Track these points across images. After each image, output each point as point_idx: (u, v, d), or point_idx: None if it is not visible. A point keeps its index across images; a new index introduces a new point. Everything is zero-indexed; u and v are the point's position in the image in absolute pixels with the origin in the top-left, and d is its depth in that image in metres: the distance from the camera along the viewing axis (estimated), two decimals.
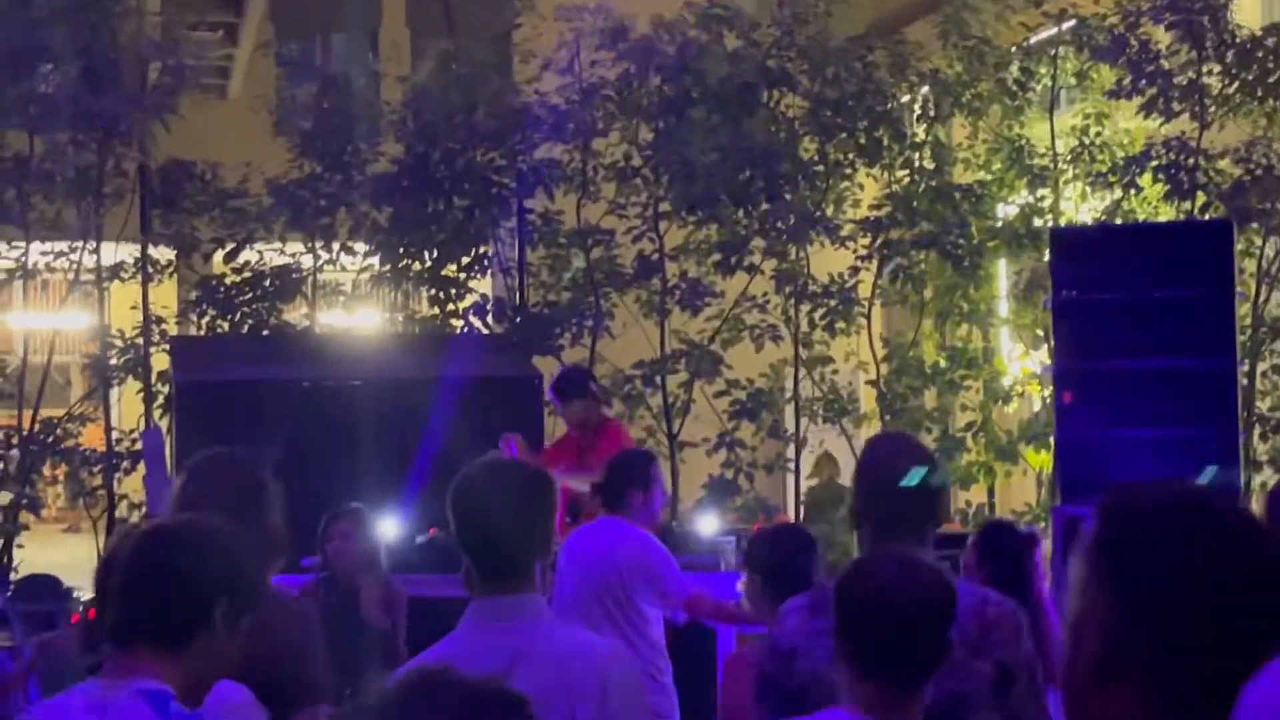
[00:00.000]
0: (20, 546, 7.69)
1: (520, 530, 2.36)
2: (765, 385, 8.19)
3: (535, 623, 2.40)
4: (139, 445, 7.87)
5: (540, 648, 2.33)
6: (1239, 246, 6.95)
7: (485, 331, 8.24)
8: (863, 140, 8.07)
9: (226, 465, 2.75)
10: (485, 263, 8.37)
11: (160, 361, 7.96)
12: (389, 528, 5.80)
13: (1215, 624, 1.10)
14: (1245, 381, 7.49)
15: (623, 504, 4.63)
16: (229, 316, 7.98)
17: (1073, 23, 8.04)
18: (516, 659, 2.24)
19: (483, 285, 8.55)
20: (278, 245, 8.21)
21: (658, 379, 8.02)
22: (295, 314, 8.35)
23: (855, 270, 8.11)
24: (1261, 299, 7.87)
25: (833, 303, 8.00)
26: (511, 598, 2.34)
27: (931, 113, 8.37)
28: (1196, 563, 1.11)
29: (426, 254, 8.13)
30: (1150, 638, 1.11)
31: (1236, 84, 7.74)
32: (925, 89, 8.42)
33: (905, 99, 8.51)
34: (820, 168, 8.10)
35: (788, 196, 7.97)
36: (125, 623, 1.95)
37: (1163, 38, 7.84)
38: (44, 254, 8.08)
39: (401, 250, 8.13)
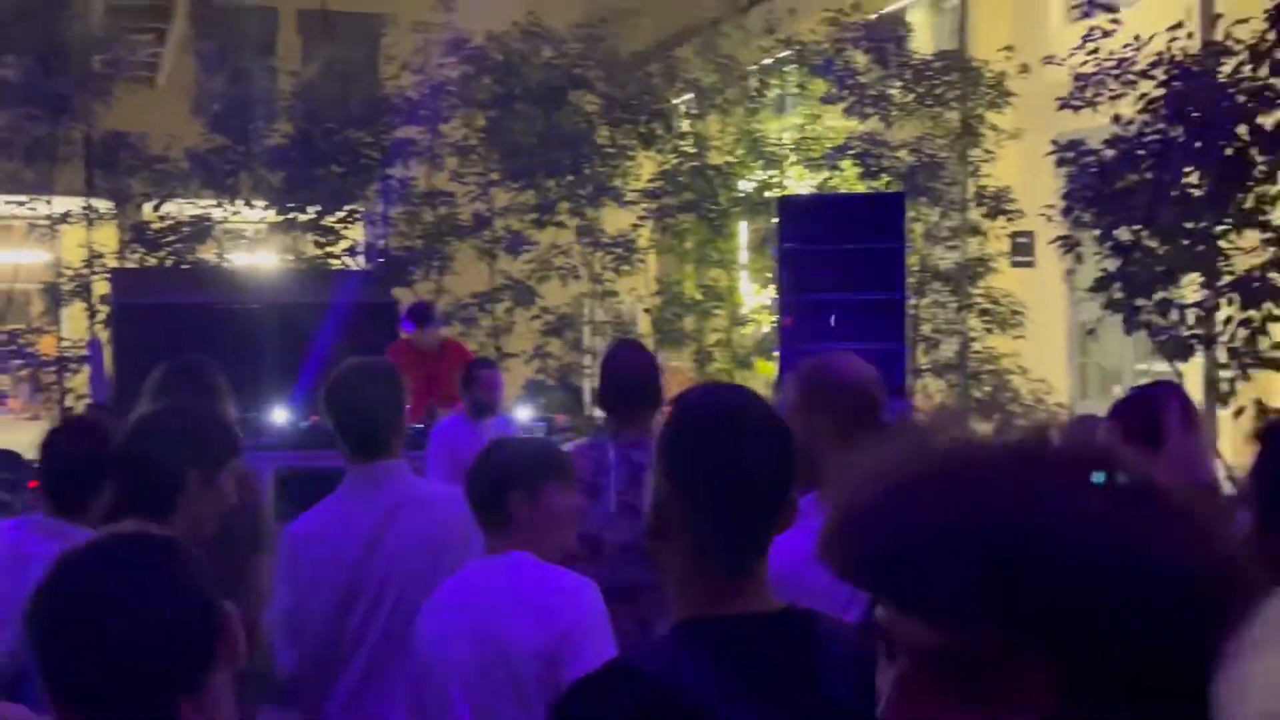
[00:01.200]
0: None
1: (387, 415, 2.62)
2: (568, 311, 10.11)
3: (405, 480, 2.67)
4: (85, 352, 9.62)
5: (412, 498, 2.63)
6: (911, 214, 9.02)
7: (357, 268, 10.13)
8: (643, 130, 9.95)
9: (190, 368, 3.05)
10: (357, 216, 10.19)
11: (101, 288, 9.62)
12: (281, 416, 6.86)
13: (733, 491, 1.33)
14: (913, 311, 9.60)
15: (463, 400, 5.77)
16: (156, 254, 9.75)
17: (797, 48, 9.88)
18: (392, 508, 2.58)
19: (355, 233, 10.34)
20: (194, 200, 10.00)
21: (488, 306, 9.91)
22: (208, 253, 10.25)
23: (636, 227, 10.05)
24: (926, 253, 10.27)
25: (619, 251, 9.98)
26: (381, 463, 2.60)
27: (694, 111, 10.33)
28: (718, 447, 1.33)
29: (311, 209, 9.91)
30: (685, 503, 1.34)
31: (912, 95, 9.53)
32: (689, 94, 10.35)
33: (675, 101, 10.40)
34: (612, 150, 9.94)
35: (587, 171, 9.79)
36: (120, 506, 2.14)
37: (861, 60, 9.72)
38: (8, 204, 9.97)
39: (291, 205, 9.91)
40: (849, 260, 6.69)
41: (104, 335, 9.41)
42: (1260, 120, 5.63)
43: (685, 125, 10.42)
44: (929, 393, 9.81)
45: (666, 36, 10.80)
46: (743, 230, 10.44)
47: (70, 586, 1.22)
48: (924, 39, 10.52)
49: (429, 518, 2.57)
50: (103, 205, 9.94)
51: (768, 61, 10.28)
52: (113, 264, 9.86)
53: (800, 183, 9.98)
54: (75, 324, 10.11)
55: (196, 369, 3.06)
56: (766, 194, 9.86)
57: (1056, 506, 0.67)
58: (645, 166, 10.28)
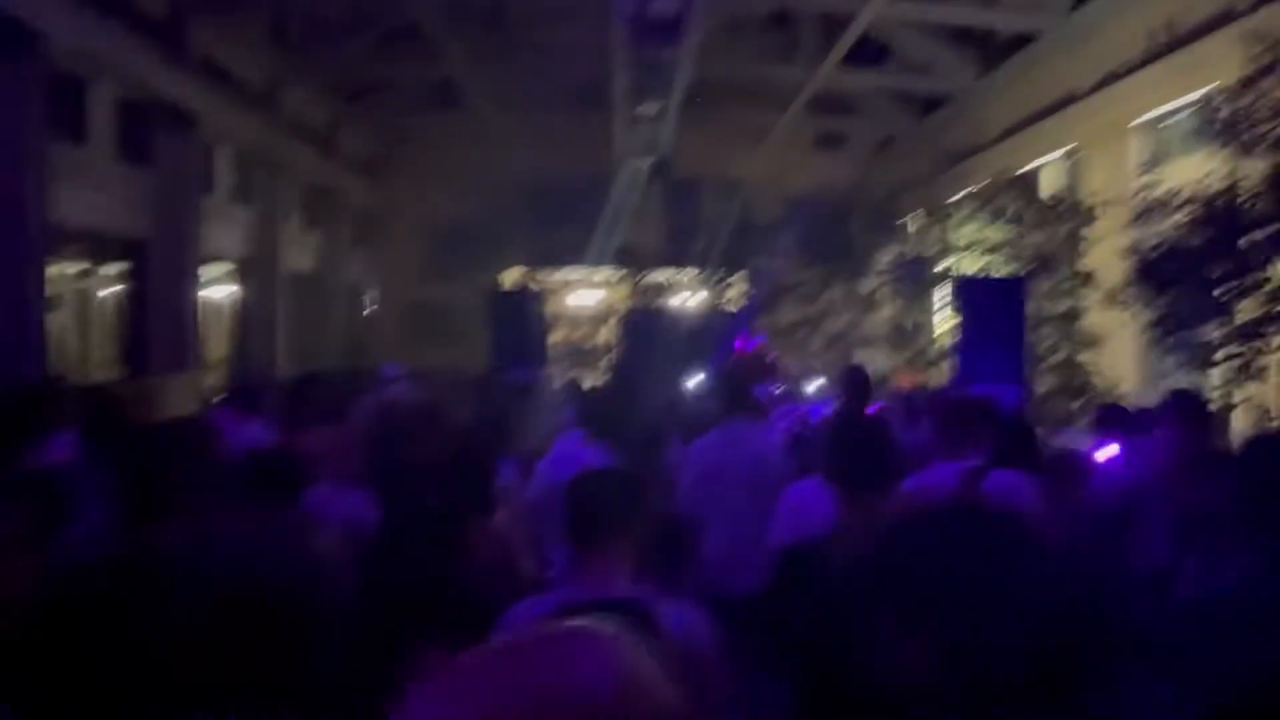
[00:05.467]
0: None
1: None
2: (842, 330, 18.91)
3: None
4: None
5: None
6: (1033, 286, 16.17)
7: (733, 308, 19.73)
8: (881, 238, 18.50)
9: None
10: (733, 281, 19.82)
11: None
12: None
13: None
14: (1033, 339, 16.70)
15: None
16: (643, 300, 19.93)
17: (972, 190, 17.80)
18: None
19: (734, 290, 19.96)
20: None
21: (798, 330, 19.08)
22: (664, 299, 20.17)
23: (877, 289, 18.59)
24: (1041, 306, 17.25)
25: (866, 300, 18.65)
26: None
27: (912, 227, 18.58)
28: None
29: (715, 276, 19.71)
30: None
31: (1038, 216, 16.95)
32: (912, 215, 18.55)
33: (901, 220, 18.65)
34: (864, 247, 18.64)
35: (850, 259, 18.64)
36: None
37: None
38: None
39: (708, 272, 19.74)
40: (995, 312, 10.91)
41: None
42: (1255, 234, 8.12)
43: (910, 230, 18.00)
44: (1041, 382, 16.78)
45: (898, 185, 18.77)
46: (936, 291, 17.36)
47: None
48: (1049, 182, 17.19)
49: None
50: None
51: (955, 199, 17.41)
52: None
53: (970, 266, 16.97)
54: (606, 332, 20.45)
55: None
56: (950, 272, 17.35)
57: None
58: (882, 256, 18.02)
